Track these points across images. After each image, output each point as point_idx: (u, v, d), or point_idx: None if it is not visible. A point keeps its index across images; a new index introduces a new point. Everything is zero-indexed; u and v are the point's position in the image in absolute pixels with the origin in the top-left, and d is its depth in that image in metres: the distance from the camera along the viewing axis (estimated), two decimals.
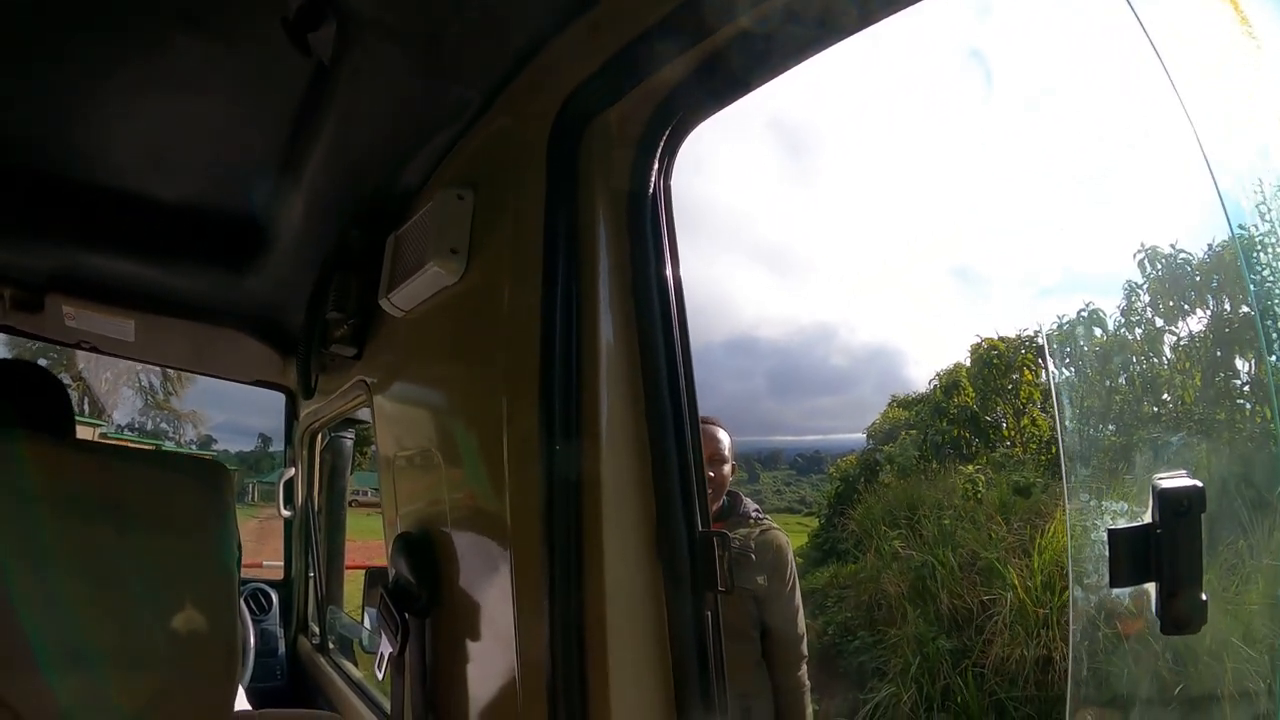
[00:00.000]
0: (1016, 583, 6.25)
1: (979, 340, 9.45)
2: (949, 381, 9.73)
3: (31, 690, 0.98)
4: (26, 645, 0.97)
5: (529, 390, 0.95)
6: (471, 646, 1.16)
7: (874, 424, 12.05)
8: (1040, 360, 8.87)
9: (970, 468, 8.44)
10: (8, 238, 1.72)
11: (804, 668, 2.32)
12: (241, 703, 1.84)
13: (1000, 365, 9.06)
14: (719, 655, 0.91)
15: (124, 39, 1.14)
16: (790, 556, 2.35)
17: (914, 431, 10.09)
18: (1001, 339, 9.24)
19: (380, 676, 1.38)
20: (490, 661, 1.10)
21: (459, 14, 1.00)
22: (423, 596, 1.24)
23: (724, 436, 2.33)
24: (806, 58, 0.83)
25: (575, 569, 0.90)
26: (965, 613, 6.52)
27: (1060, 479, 7.43)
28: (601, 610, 0.88)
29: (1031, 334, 9.02)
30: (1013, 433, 8.94)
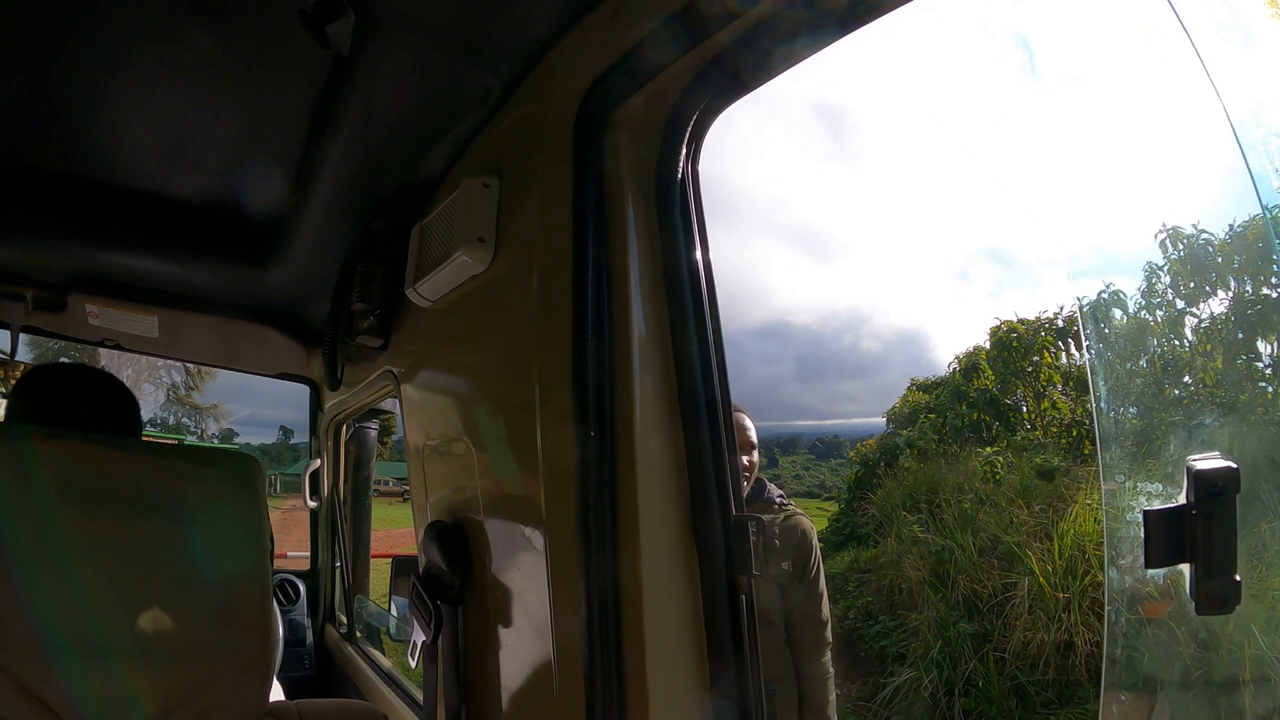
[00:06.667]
0: (1036, 567, 6.21)
1: (998, 323, 9.33)
2: (968, 364, 9.61)
3: (65, 685, 0.98)
4: (58, 641, 0.98)
5: (562, 376, 0.95)
6: (505, 633, 1.17)
7: (894, 408, 11.96)
8: (1061, 343, 8.74)
9: (990, 450, 8.36)
10: (28, 238, 1.73)
11: (828, 654, 2.32)
12: (276, 692, 1.86)
13: (1020, 348, 8.93)
14: (753, 639, 0.91)
15: (139, 35, 1.14)
16: (815, 541, 2.35)
17: (933, 415, 9.98)
18: (1021, 321, 9.11)
19: (413, 665, 1.40)
20: (525, 648, 1.11)
21: (477, 1, 1.00)
22: (455, 584, 1.24)
23: (749, 424, 2.34)
24: (835, 40, 0.82)
25: (610, 554, 0.90)
26: (986, 597, 6.49)
27: (1081, 462, 7.36)
28: (637, 595, 0.89)
29: (1051, 316, 8.90)
30: (1033, 416, 8.84)
